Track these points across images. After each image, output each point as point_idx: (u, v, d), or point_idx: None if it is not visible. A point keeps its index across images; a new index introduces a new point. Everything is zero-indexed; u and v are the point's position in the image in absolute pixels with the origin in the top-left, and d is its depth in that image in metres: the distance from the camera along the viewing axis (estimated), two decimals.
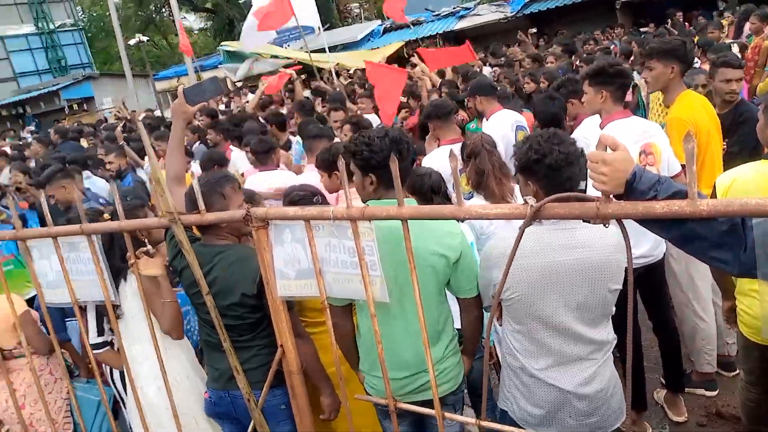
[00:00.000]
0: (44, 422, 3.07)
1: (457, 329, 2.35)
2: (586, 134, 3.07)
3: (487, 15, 18.88)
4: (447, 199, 2.89)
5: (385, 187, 2.18)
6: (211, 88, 2.42)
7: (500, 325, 2.20)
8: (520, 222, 2.87)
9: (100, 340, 2.75)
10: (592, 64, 3.54)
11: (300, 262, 2.05)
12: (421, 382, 2.20)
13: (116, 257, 2.60)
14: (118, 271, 2.68)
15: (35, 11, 29.39)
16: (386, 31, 20.48)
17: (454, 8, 20.03)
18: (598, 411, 2.09)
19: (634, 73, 5.19)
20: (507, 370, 2.19)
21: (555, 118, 3.71)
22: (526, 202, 1.55)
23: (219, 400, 2.46)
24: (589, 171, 1.45)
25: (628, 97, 5.48)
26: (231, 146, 5.92)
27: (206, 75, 21.98)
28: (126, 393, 2.85)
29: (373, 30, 20.83)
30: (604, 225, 1.39)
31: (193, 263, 2.21)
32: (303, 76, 16.45)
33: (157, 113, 15.17)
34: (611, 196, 1.43)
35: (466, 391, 2.72)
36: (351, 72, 14.88)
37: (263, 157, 4.36)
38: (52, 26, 29.83)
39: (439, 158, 3.41)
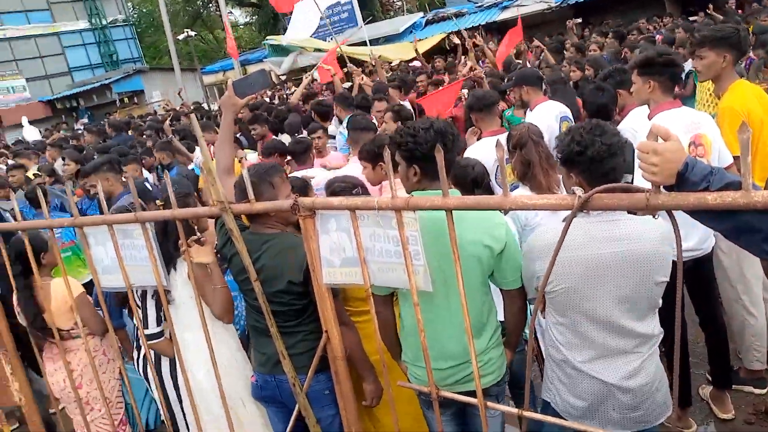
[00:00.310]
0: (99, 401, 3.22)
1: (500, 322, 2.36)
2: (634, 125, 3.01)
3: (530, 5, 18.58)
4: (489, 192, 2.89)
5: (430, 178, 2.19)
6: (260, 81, 2.48)
7: (543, 318, 2.19)
8: (565, 214, 2.86)
9: (158, 329, 2.84)
10: (640, 54, 3.46)
11: (345, 251, 2.09)
12: (464, 374, 2.21)
13: (169, 245, 2.69)
14: (168, 260, 2.78)
15: (89, 8, 30.39)
16: (428, 23, 20.38)
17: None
18: (642, 405, 2.07)
19: (688, 62, 5.03)
20: (550, 362, 2.18)
21: (604, 110, 3.64)
22: (573, 193, 1.55)
23: (265, 384, 2.53)
24: (638, 162, 1.43)
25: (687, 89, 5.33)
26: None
27: (252, 69, 22.36)
28: (170, 378, 2.94)
29: (415, 22, 20.76)
30: (653, 216, 1.38)
31: (242, 251, 2.28)
32: (345, 69, 16.59)
33: (204, 106, 15.50)
34: (661, 187, 1.41)
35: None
36: (393, 65, 14.87)
37: (301, 156, 4.56)
38: (104, 22, 30.80)
39: (482, 150, 3.40)
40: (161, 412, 3.02)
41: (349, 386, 2.34)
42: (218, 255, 3.41)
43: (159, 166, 6.67)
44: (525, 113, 4.39)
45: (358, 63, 11.56)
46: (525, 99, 4.23)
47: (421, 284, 1.94)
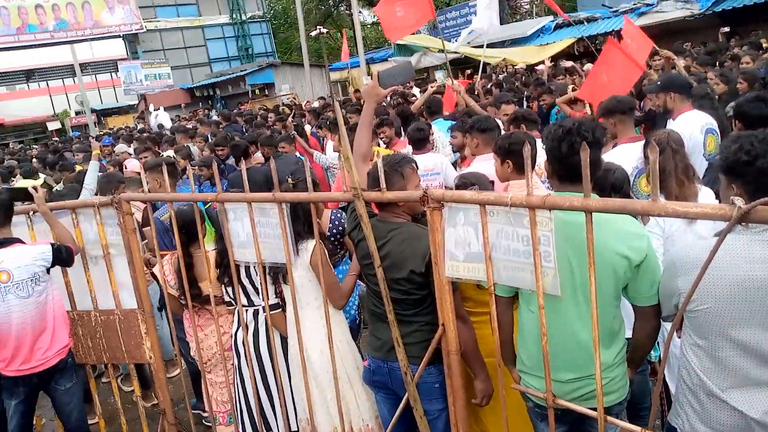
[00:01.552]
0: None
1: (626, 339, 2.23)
2: None
3: (671, 12, 17.37)
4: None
5: (560, 179, 2.12)
6: (404, 73, 2.53)
7: (679, 338, 2.05)
8: (703, 228, 2.65)
9: (276, 300, 2.99)
10: None
11: (470, 246, 2.08)
12: (587, 389, 2.09)
13: (297, 226, 2.81)
14: (295, 241, 2.90)
15: (231, 3, 32.57)
16: (557, 27, 19.72)
17: (634, 4, 18.69)
18: None
19: None
20: (682, 386, 2.03)
21: (766, 122, 3.33)
22: (732, 203, 1.43)
23: (377, 369, 2.57)
24: None
25: None
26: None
27: (376, 67, 22.87)
28: (282, 354, 3.05)
29: (543, 26, 20.17)
30: None
31: (369, 236, 2.35)
32: (469, 71, 16.49)
33: (328, 102, 16.08)
34: None
35: None
36: (518, 67, 14.58)
37: (419, 143, 4.81)
38: (243, 17, 32.86)
39: (620, 156, 3.24)
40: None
41: (461, 382, 2.33)
42: (332, 239, 3.53)
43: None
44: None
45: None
46: (670, 106, 3.98)
47: (549, 287, 1.88)
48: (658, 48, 6.75)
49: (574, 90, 6.52)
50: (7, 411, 3.28)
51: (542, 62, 13.05)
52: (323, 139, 7.75)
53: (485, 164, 3.47)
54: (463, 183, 2.92)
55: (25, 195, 3.73)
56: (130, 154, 7.55)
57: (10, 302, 3.09)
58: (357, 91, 18.78)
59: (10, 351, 3.15)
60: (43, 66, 31.30)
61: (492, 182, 3.24)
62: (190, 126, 12.82)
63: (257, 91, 25.93)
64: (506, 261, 2.00)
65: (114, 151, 10.35)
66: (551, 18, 21.28)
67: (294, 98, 17.18)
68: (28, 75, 31.96)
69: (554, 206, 1.77)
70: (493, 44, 18.54)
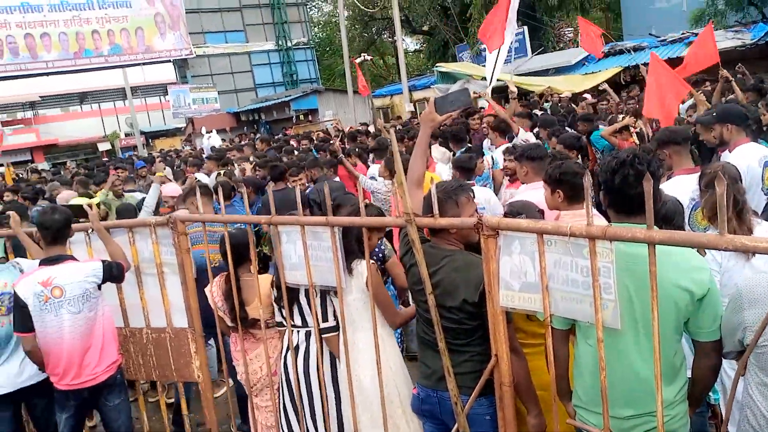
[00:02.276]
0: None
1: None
2: None
3: (722, 42, 17.00)
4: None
5: (616, 210, 2.08)
6: (460, 99, 2.54)
7: (742, 375, 1.97)
8: (762, 263, 2.56)
9: (333, 323, 2.98)
10: None
11: (526, 275, 2.06)
12: (647, 427, 2.01)
13: (349, 249, 2.82)
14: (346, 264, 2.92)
15: (278, 30, 33.49)
16: (603, 56, 19.56)
17: (682, 33, 18.42)
18: None
19: None
20: (746, 426, 1.95)
21: None
22: None
23: (427, 398, 2.54)
24: None
25: None
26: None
27: (417, 95, 23.09)
28: (329, 376, 3.05)
29: (588, 54, 20.04)
30: None
31: (421, 262, 2.34)
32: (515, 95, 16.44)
33: (371, 128, 16.27)
34: None
35: None
36: (563, 96, 14.49)
37: (466, 172, 4.80)
38: (289, 44, 33.70)
39: (677, 187, 3.17)
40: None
41: (513, 414, 2.28)
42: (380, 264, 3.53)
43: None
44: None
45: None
46: (726, 138, 3.88)
47: (609, 320, 1.84)
48: (699, 75, 6.73)
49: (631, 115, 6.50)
50: (59, 424, 3.36)
51: (586, 91, 12.95)
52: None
53: (534, 192, 3.44)
54: (512, 212, 2.90)
55: (79, 212, 3.87)
56: (169, 179, 7.76)
57: (62, 317, 3.19)
58: (399, 117, 18.98)
59: (62, 366, 3.24)
60: (96, 89, 32.75)
61: (541, 211, 3.21)
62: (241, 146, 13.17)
63: (301, 117, 26.42)
64: (564, 292, 1.96)
65: (146, 174, 10.53)
66: None
67: (337, 124, 17.46)
68: (82, 97, 33.48)
69: (615, 237, 1.74)
70: (538, 72, 18.50)
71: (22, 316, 3.15)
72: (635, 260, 1.88)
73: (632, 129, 6.29)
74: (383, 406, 2.61)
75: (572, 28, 33.31)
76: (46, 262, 3.24)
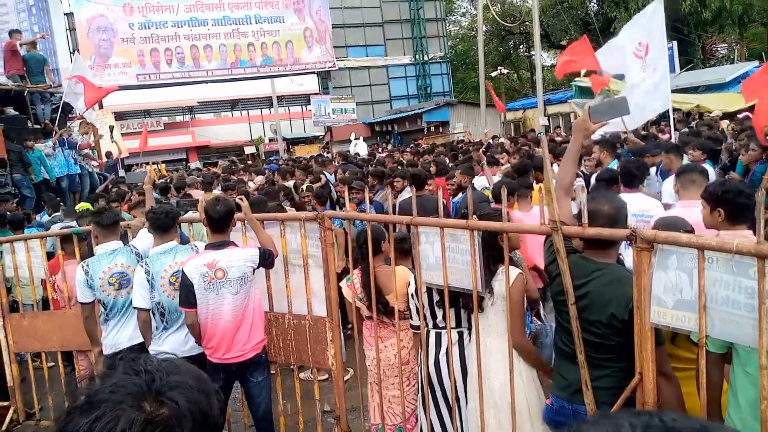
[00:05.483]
0: (415, 376, 3.48)
1: None
2: None
3: None
4: None
5: None
6: (617, 109, 2.48)
7: None
8: None
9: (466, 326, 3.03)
10: None
11: (682, 292, 1.97)
12: None
13: (488, 254, 2.85)
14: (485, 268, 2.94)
15: (416, 45, 34.18)
16: None
17: None
18: None
19: None
20: None
21: None
22: None
23: (561, 410, 2.49)
24: None
25: None
26: None
27: (552, 109, 22.47)
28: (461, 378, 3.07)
29: (747, 71, 18.34)
30: None
31: (565, 272, 2.32)
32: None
33: (501, 140, 16.09)
34: None
35: None
36: (712, 115, 13.38)
37: (631, 179, 4.48)
38: (426, 58, 34.24)
39: None
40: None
41: None
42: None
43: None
44: None
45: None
46: None
47: None
48: None
49: None
50: None
51: (743, 110, 11.84)
52: None
53: (688, 210, 3.24)
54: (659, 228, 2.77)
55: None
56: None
57: (222, 296, 3.50)
58: (533, 131, 18.63)
59: (216, 340, 3.56)
60: (246, 97, 35.76)
61: (691, 231, 3.02)
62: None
63: (432, 128, 26.75)
64: (723, 313, 1.86)
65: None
66: (755, 63, 19.34)
67: (468, 135, 17.54)
68: (233, 104, 36.67)
69: None
70: (686, 89, 17.26)
71: (187, 293, 3.50)
72: None
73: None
74: (513, 412, 2.60)
75: (726, 44, 30.71)
76: (211, 246, 3.60)
